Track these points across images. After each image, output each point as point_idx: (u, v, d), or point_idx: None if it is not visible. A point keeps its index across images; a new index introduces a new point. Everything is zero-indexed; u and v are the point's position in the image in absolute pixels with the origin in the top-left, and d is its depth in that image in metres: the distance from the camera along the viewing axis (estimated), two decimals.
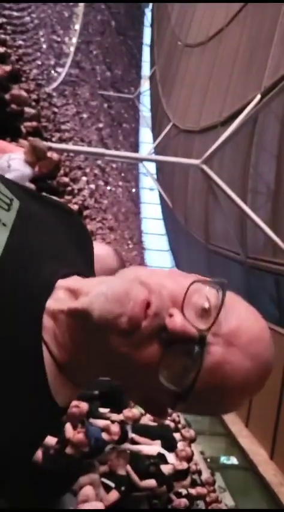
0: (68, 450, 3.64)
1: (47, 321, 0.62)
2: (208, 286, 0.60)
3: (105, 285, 0.61)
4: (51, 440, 3.56)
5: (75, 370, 0.63)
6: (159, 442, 5.88)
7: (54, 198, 0.79)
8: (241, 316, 0.60)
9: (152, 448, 5.64)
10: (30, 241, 0.66)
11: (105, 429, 4.34)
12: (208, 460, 11.45)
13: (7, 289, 0.59)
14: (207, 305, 0.58)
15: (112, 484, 3.80)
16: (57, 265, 0.67)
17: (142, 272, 0.63)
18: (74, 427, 3.91)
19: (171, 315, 0.57)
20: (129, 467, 4.31)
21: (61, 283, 0.65)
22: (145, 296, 0.58)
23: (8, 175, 3.94)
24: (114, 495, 3.69)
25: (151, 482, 4.85)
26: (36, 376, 0.60)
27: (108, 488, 3.77)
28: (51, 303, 0.63)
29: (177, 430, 7.90)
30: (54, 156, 4.74)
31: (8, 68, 6.60)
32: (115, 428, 4.43)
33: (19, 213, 0.66)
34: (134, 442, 5.52)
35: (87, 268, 0.75)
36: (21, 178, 3.95)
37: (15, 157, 4.02)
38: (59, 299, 0.64)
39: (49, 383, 0.60)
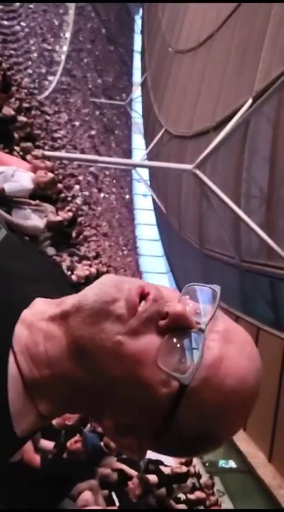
0: (66, 456, 3.61)
1: (20, 331, 0.58)
2: (201, 290, 0.61)
3: (97, 281, 0.60)
4: (48, 444, 3.54)
5: (43, 391, 0.58)
6: None
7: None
8: (232, 322, 0.61)
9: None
10: (12, 265, 0.67)
11: (104, 443, 4.29)
12: (207, 464, 11.42)
13: None
14: (201, 305, 0.59)
15: (117, 503, 3.75)
16: (37, 288, 0.66)
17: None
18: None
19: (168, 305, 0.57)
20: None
21: (40, 299, 0.64)
22: (141, 284, 0.58)
23: (8, 183, 3.99)
24: (113, 508, 3.66)
25: (153, 478, 4.83)
26: None
27: (109, 500, 3.73)
28: (28, 313, 0.60)
29: None
30: (48, 163, 4.77)
31: None
32: (114, 444, 4.39)
33: (4, 239, 0.71)
34: None
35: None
36: (19, 190, 3.99)
37: (24, 174, 4.08)
38: (37, 310, 0.61)
39: (9, 401, 0.55)
